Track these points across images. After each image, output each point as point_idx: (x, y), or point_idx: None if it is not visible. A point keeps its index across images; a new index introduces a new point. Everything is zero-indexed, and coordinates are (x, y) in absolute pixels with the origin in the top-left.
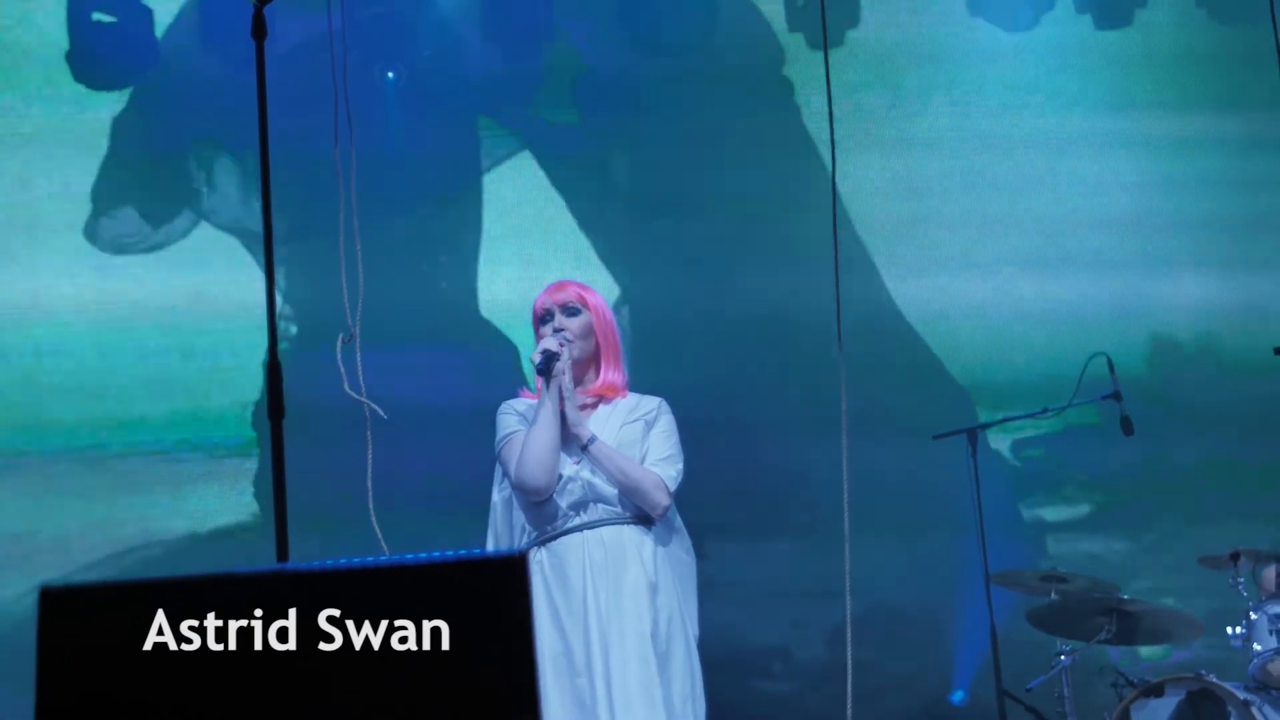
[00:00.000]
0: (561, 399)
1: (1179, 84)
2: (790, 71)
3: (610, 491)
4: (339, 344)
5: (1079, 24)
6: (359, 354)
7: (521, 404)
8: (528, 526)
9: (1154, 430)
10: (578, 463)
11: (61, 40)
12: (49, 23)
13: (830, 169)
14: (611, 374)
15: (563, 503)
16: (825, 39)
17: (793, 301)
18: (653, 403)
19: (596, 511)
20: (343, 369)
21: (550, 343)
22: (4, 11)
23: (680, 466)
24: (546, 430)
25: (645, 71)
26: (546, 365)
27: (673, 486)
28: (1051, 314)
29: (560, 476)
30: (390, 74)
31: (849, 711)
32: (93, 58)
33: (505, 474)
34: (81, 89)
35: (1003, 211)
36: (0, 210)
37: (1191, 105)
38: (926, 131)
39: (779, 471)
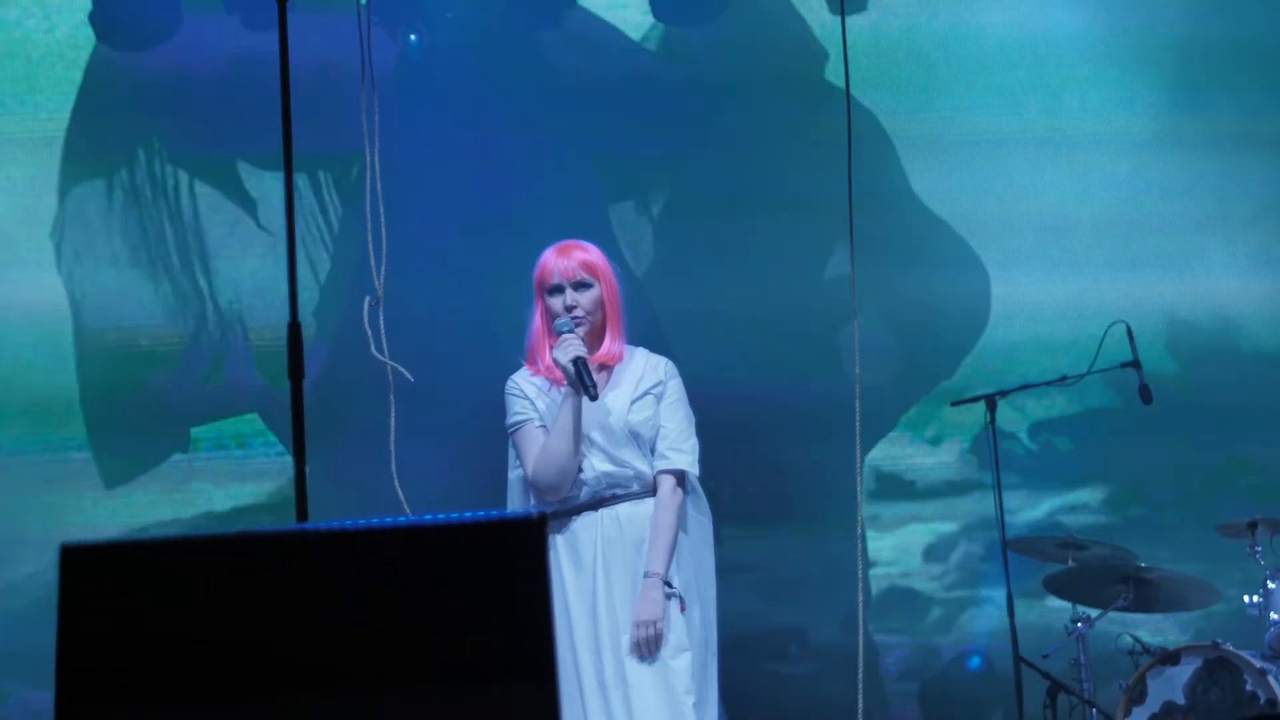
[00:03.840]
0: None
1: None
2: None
3: (626, 475)
4: (365, 307)
5: None
6: (383, 317)
7: (529, 384)
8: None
9: (1172, 415)
10: (591, 455)
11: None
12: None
13: (848, 167)
14: (614, 341)
15: (579, 492)
16: (845, 34)
17: (807, 293)
18: (658, 370)
19: (612, 494)
20: (369, 332)
21: (578, 348)
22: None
23: (694, 439)
24: (570, 439)
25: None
26: (579, 375)
27: (694, 469)
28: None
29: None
30: (413, 36)
31: (860, 675)
32: (116, 19)
33: (519, 459)
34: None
35: (1019, 211)
36: None
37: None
38: (955, 131)
39: (793, 454)
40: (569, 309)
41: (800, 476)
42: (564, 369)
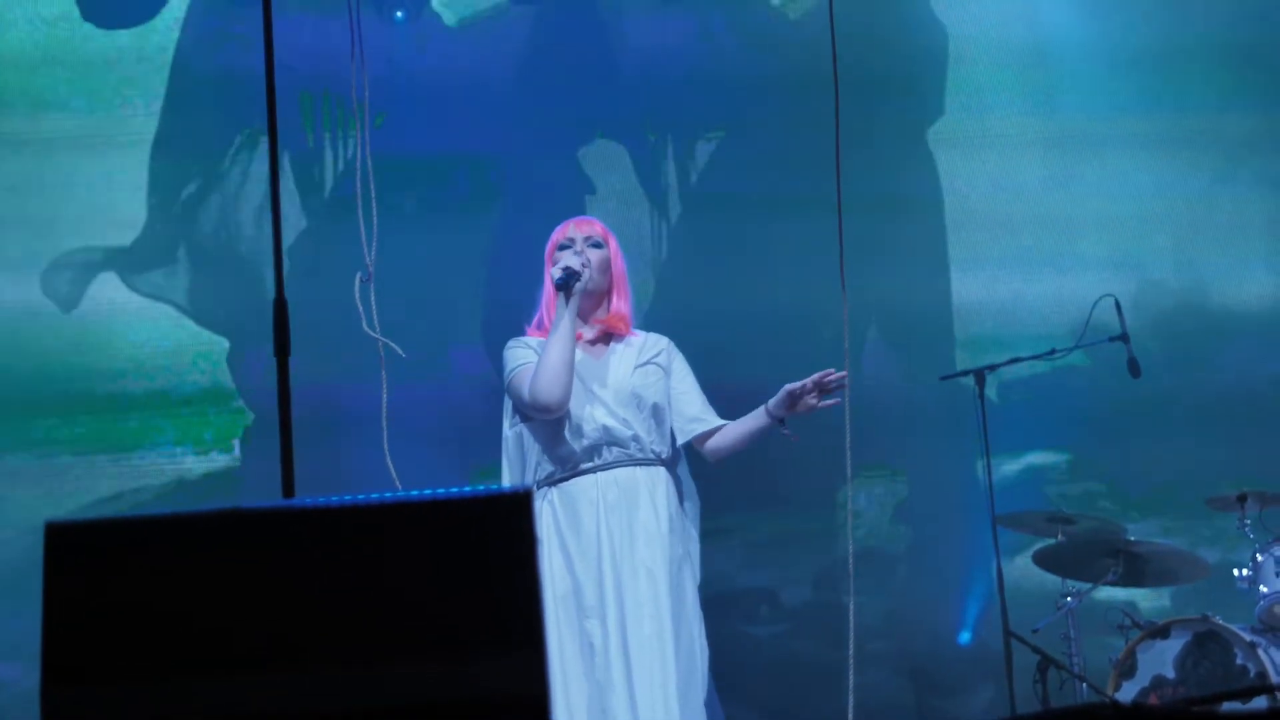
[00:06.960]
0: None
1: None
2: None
3: (625, 434)
4: (356, 283)
5: None
6: (374, 294)
7: (533, 342)
8: (540, 464)
9: (1151, 373)
10: (595, 408)
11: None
12: None
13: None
14: (621, 305)
15: (577, 446)
16: (833, 27)
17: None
18: (660, 343)
19: (610, 454)
20: (360, 308)
21: (573, 260)
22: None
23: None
24: (563, 346)
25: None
26: (566, 282)
27: None
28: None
29: (570, 416)
30: (399, 13)
31: (850, 652)
32: None
33: (516, 404)
34: None
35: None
36: None
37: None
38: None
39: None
40: (577, 254)
41: (789, 463)
42: (554, 276)
